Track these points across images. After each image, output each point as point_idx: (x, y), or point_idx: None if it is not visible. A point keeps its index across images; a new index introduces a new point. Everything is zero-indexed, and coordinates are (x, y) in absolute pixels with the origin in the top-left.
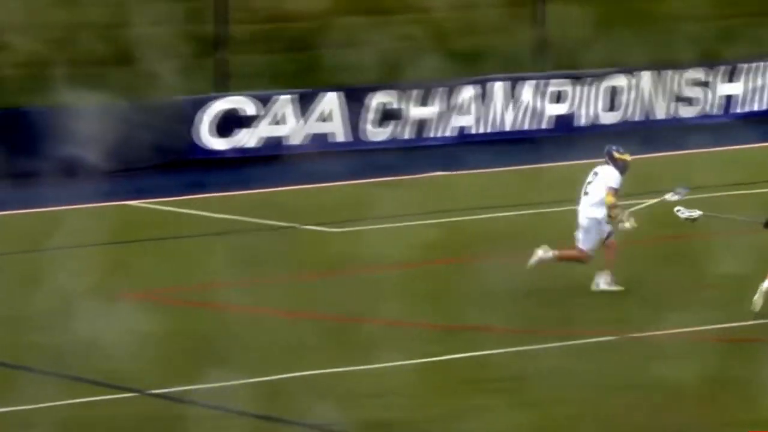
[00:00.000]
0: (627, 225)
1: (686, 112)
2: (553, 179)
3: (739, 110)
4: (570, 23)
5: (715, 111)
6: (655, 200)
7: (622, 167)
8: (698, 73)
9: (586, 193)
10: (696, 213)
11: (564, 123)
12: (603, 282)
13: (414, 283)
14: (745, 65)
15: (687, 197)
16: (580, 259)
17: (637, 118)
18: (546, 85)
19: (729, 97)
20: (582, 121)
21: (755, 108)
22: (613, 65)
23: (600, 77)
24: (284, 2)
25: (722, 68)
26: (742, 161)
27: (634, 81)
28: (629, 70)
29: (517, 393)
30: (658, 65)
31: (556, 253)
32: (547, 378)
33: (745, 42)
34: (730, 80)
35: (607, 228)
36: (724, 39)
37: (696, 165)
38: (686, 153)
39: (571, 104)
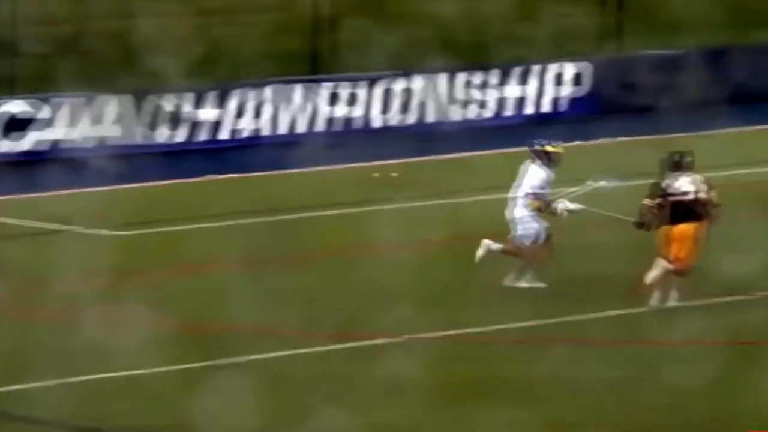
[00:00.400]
0: (571, 207)
1: (461, 114)
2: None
3: (511, 113)
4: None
5: (489, 114)
6: (582, 188)
7: (553, 160)
8: (472, 76)
9: (515, 194)
10: (578, 206)
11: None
12: (524, 280)
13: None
14: (519, 68)
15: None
16: (518, 254)
17: (411, 121)
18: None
19: (503, 100)
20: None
21: (542, 110)
22: (389, 68)
23: (377, 80)
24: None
25: (495, 71)
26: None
27: (412, 84)
28: (406, 73)
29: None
30: (431, 69)
31: (501, 246)
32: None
33: (517, 45)
34: (503, 83)
35: (545, 224)
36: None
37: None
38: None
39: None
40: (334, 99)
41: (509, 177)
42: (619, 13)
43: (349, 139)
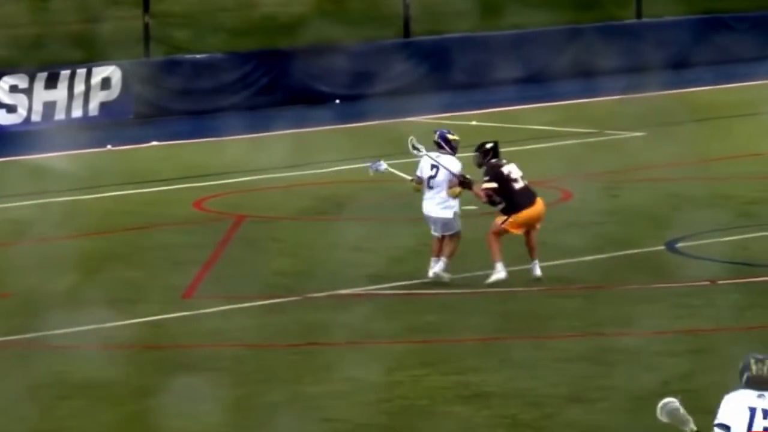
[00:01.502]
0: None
1: (6, 119)
2: None
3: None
4: None
5: (37, 118)
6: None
7: (455, 149)
8: (16, 80)
9: (431, 187)
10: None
11: None
12: (439, 268)
13: None
14: (66, 71)
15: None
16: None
17: None
18: None
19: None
20: None
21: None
22: None
23: None
24: None
25: (41, 74)
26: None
27: None
28: None
29: None
30: None
31: (444, 259)
32: None
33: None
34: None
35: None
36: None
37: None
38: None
39: None
40: None
41: None
42: (149, 16)
43: None
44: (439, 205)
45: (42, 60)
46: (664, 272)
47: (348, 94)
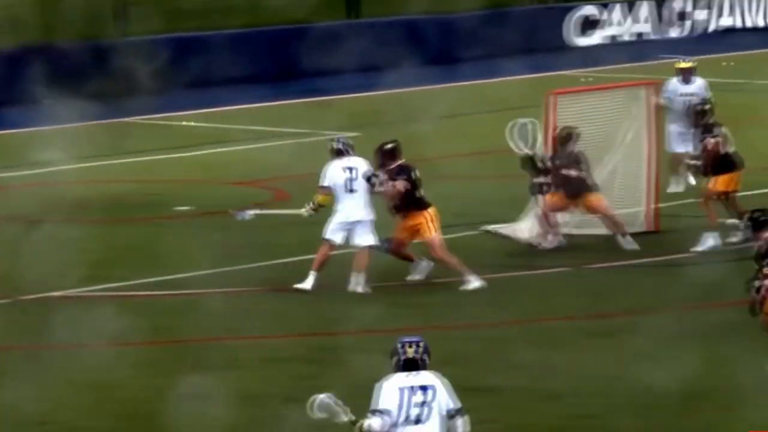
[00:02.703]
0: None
1: None
2: None
3: None
4: None
5: None
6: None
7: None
8: None
9: (352, 190)
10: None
11: None
12: (360, 285)
13: None
14: None
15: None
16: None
17: None
18: None
19: None
20: None
21: None
22: None
23: None
24: None
25: None
26: None
27: None
28: None
29: None
30: None
31: (363, 273)
32: None
33: None
34: None
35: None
36: None
37: None
38: None
39: None
40: None
41: None
42: None
43: None
44: (364, 209)
45: None
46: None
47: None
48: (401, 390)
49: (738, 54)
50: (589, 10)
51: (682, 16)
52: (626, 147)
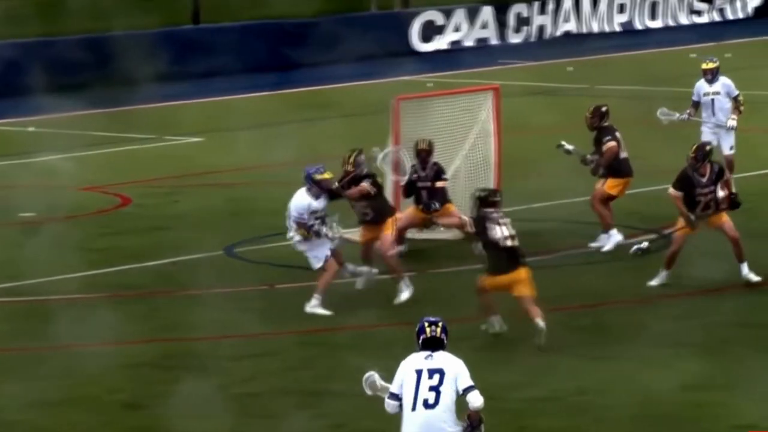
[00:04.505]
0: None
1: None
2: None
3: None
4: None
5: None
6: None
7: (324, 187)
8: None
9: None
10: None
11: None
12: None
13: None
14: None
15: None
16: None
17: None
18: None
19: None
20: None
21: None
22: None
23: None
24: None
25: None
26: None
27: None
28: None
29: None
30: None
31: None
32: None
33: None
34: None
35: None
36: None
37: None
38: None
39: None
40: None
41: None
42: None
43: None
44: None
45: None
46: (225, 276)
47: None
48: (418, 372)
49: (580, 59)
50: (433, 15)
51: (524, 21)
52: (470, 151)
